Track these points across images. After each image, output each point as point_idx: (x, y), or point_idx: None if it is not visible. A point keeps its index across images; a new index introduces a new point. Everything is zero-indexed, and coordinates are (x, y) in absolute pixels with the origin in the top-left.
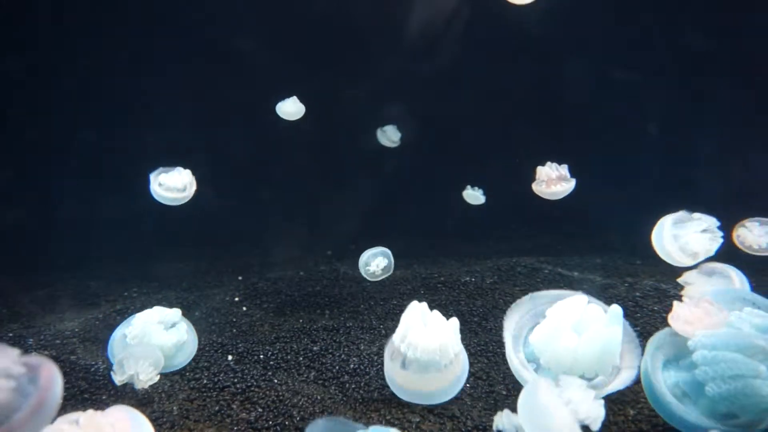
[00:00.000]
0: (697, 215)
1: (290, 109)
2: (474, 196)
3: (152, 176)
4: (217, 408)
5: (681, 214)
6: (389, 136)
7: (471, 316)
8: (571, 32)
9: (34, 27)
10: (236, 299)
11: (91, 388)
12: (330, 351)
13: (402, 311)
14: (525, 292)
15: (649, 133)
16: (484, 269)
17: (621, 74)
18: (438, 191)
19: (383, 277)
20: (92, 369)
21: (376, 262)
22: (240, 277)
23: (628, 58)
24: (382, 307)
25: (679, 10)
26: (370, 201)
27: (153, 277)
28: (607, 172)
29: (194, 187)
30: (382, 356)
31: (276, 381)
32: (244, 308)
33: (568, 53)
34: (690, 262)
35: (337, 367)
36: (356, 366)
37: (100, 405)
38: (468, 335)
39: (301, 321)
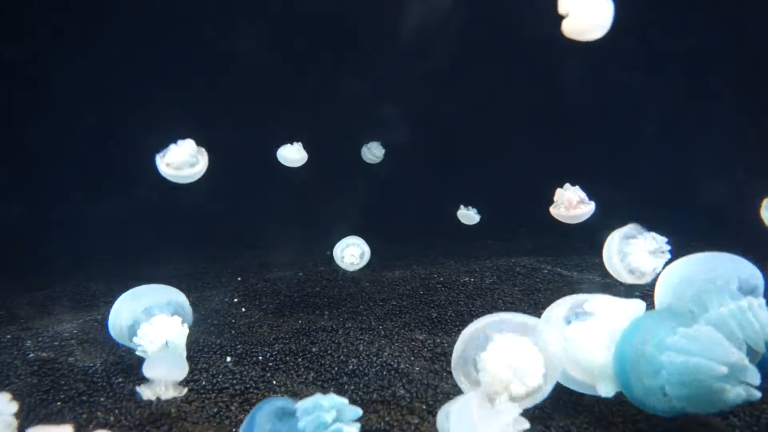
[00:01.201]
0: (649, 234)
1: (293, 155)
2: (468, 215)
3: (158, 158)
4: (215, 410)
5: (631, 228)
6: (373, 152)
7: (470, 317)
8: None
9: (34, 26)
10: (235, 300)
11: (89, 390)
12: (329, 352)
13: (401, 312)
14: (524, 293)
15: (648, 132)
16: (483, 269)
17: (622, 75)
18: (437, 191)
19: (363, 263)
20: (90, 371)
21: (349, 251)
22: (239, 278)
23: (629, 60)
24: (381, 307)
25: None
26: (370, 201)
27: (152, 278)
28: (606, 171)
29: (205, 157)
30: (381, 357)
31: (275, 382)
32: (243, 309)
33: (566, 55)
34: (637, 281)
35: (336, 368)
36: (355, 367)
37: (99, 407)
38: None
39: (300, 322)
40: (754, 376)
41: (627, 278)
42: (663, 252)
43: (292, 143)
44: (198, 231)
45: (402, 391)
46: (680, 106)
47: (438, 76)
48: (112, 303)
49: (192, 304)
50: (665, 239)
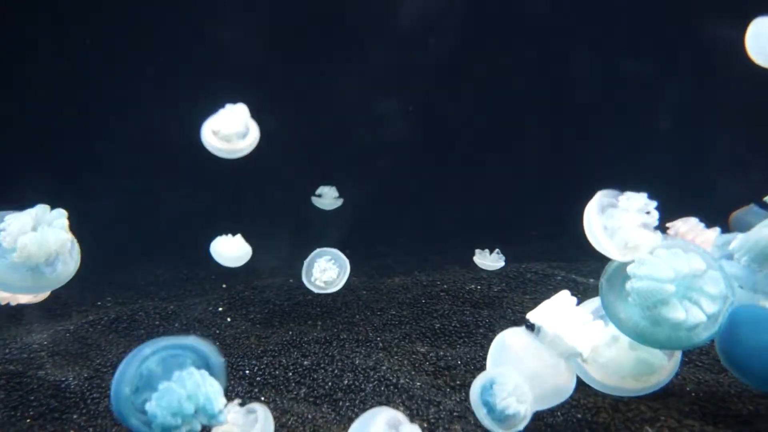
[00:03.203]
0: (624, 196)
1: (231, 251)
2: (483, 264)
3: (204, 126)
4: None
5: (603, 197)
6: (328, 195)
7: (476, 328)
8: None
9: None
10: (220, 309)
11: (61, 406)
12: (322, 366)
13: (401, 322)
14: (535, 302)
15: (662, 134)
16: (491, 276)
17: (634, 73)
18: (440, 193)
19: (344, 274)
20: (62, 386)
21: (319, 266)
22: (224, 285)
23: (642, 57)
24: (380, 317)
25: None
26: (369, 203)
27: (129, 285)
28: (622, 172)
29: (257, 130)
30: (379, 371)
31: (263, 399)
32: (229, 319)
33: (577, 50)
34: (634, 256)
35: (329, 384)
36: (350, 382)
37: (71, 425)
38: (473, 348)
39: (290, 333)
40: (713, 283)
41: (623, 256)
42: (650, 213)
43: (232, 235)
44: (180, 234)
45: (402, 408)
46: (695, 107)
47: (444, 78)
48: (85, 312)
49: (172, 313)
50: (644, 194)
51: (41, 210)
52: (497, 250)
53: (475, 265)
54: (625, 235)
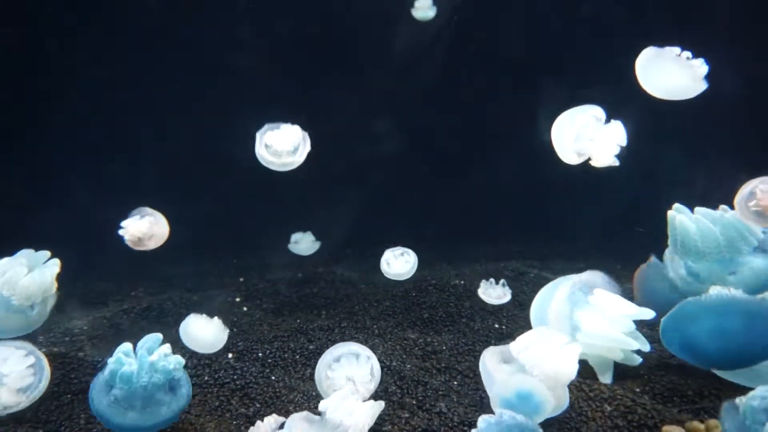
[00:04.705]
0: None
1: (205, 335)
2: (489, 300)
3: (258, 136)
4: (217, 403)
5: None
6: (304, 240)
7: (459, 317)
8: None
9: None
10: (237, 300)
11: None
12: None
13: (394, 312)
14: (510, 294)
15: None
16: (473, 272)
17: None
18: (431, 200)
19: (414, 262)
20: (99, 365)
21: (392, 255)
22: (241, 279)
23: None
24: (376, 308)
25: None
26: (367, 206)
27: (158, 278)
28: (590, 179)
29: (307, 148)
30: (375, 355)
31: (273, 378)
32: (245, 308)
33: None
34: (574, 161)
35: None
36: None
37: None
38: (456, 335)
39: (298, 321)
40: None
41: (566, 154)
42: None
43: (211, 317)
44: (202, 232)
45: (394, 387)
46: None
47: (427, 85)
48: (120, 301)
49: (196, 302)
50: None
51: (29, 254)
52: (503, 281)
53: (460, 264)
54: (582, 145)
